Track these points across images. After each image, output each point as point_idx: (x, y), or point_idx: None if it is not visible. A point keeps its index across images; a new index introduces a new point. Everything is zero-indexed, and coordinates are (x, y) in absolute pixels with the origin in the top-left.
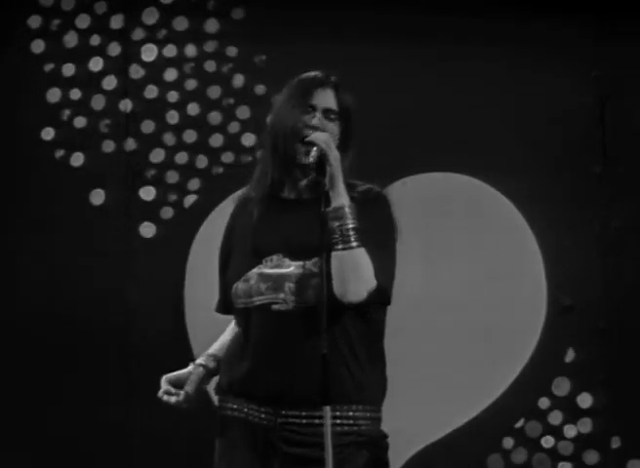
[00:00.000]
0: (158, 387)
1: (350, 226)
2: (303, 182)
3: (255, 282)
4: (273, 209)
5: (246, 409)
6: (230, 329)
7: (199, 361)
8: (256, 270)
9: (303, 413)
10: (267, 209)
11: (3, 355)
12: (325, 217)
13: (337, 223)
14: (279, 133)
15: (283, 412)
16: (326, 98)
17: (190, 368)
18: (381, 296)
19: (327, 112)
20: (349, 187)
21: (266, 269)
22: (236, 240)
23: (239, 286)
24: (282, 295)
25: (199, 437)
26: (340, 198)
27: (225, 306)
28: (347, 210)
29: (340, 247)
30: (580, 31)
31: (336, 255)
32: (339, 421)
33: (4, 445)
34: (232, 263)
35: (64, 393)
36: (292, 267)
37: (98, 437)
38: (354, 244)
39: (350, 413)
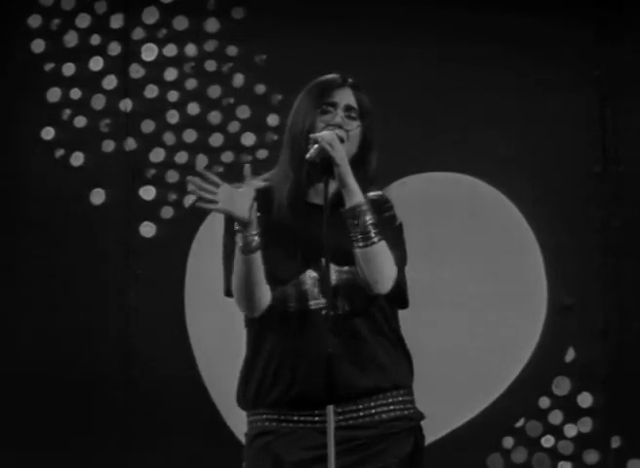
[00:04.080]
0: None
1: (369, 222)
2: (319, 186)
3: (308, 286)
4: (306, 214)
5: (296, 418)
6: None
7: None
8: (307, 274)
9: (360, 406)
10: (300, 214)
11: (4, 352)
12: (342, 217)
13: (355, 221)
14: (297, 133)
15: (340, 410)
16: (346, 96)
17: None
18: (399, 286)
19: (348, 110)
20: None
21: (316, 274)
22: (270, 233)
23: (288, 290)
24: (334, 301)
25: (200, 435)
26: (355, 196)
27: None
28: (364, 207)
29: (361, 244)
30: (580, 31)
31: (359, 253)
32: (392, 407)
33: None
34: (273, 264)
35: (64, 392)
36: (340, 273)
37: (98, 436)
38: (375, 239)
39: (400, 398)
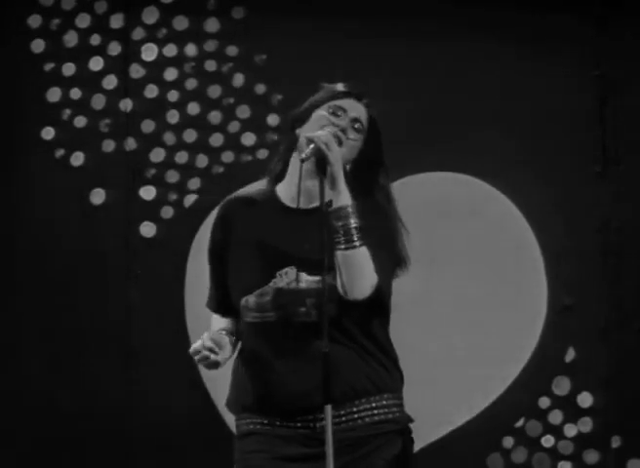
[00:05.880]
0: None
1: (353, 226)
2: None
3: (271, 297)
4: (283, 218)
5: (278, 423)
6: (217, 321)
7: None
8: (272, 285)
9: (342, 412)
10: (277, 217)
11: (3, 352)
12: (327, 217)
13: (340, 223)
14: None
15: (321, 416)
16: (357, 109)
17: (219, 334)
18: (379, 294)
19: (355, 121)
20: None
21: (283, 284)
22: (239, 243)
23: (251, 299)
24: (303, 309)
25: (200, 435)
26: (342, 198)
27: (223, 307)
28: (350, 209)
29: (343, 246)
30: (580, 31)
31: (339, 255)
32: (375, 411)
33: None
34: (240, 273)
35: (63, 391)
36: (310, 282)
37: (97, 436)
38: (357, 243)
39: (384, 402)
